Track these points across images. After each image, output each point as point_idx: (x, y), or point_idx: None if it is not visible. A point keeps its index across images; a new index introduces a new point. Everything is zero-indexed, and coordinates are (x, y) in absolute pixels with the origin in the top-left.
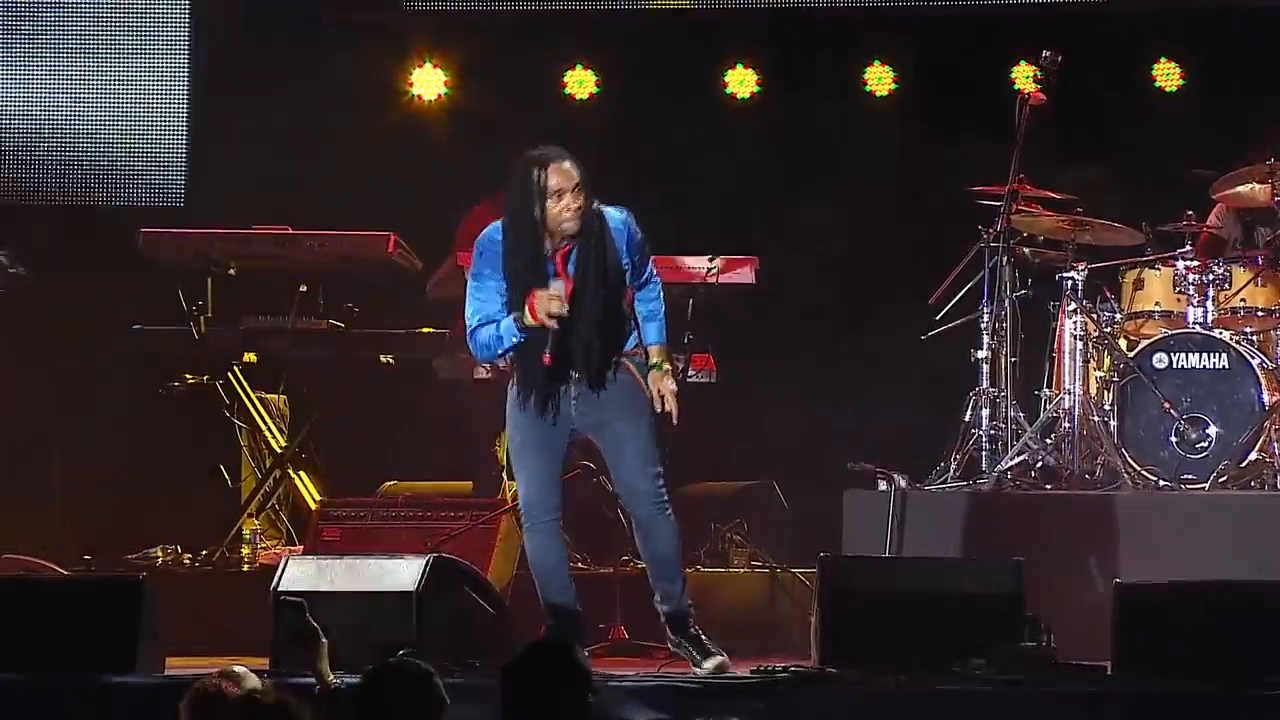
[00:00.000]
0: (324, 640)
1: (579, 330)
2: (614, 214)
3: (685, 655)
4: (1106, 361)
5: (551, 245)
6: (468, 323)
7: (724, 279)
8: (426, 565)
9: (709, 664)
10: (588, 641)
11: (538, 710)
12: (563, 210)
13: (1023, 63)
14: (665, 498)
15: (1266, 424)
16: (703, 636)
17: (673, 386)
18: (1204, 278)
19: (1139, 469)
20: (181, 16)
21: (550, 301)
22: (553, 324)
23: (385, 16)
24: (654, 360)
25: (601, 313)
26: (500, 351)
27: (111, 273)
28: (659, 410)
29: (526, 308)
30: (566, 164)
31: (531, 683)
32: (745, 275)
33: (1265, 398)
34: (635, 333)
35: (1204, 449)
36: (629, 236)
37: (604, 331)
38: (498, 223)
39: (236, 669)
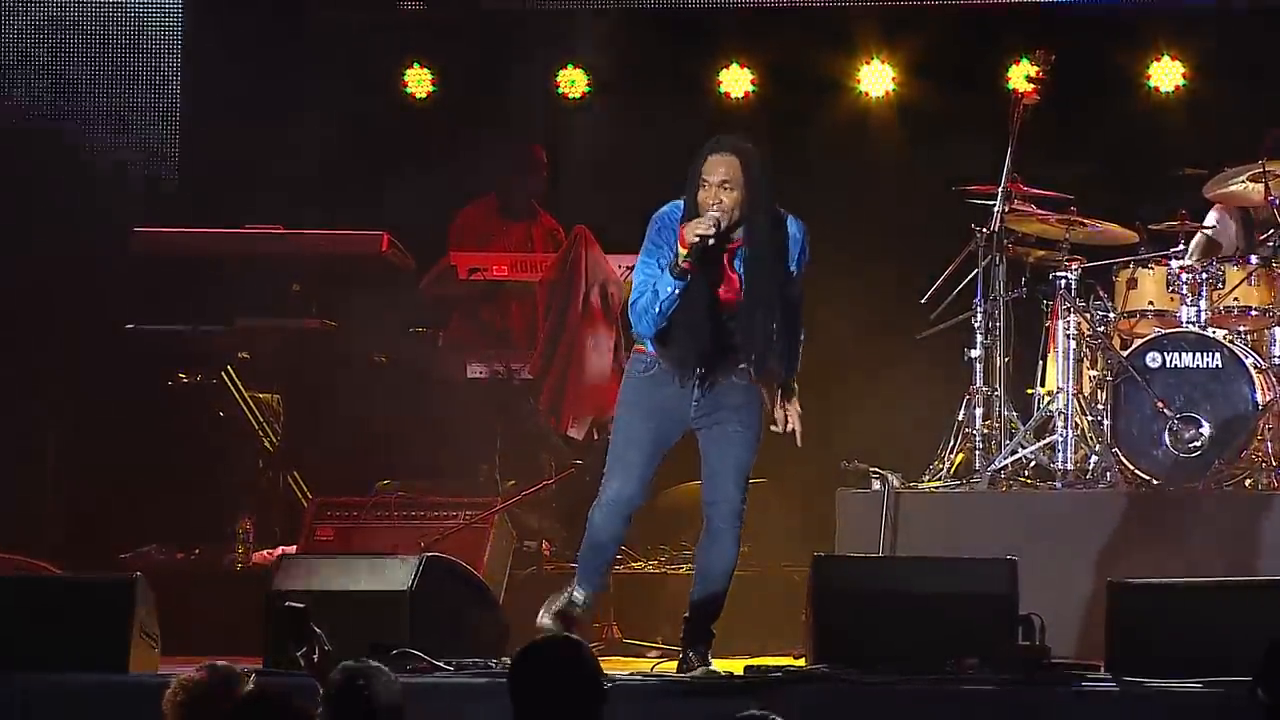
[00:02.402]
0: (328, 647)
1: (736, 331)
2: (794, 224)
3: (683, 662)
4: (1100, 360)
5: (680, 254)
6: (631, 297)
7: None
8: (420, 564)
9: (699, 671)
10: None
11: (546, 708)
12: (707, 200)
13: (1022, 60)
14: (742, 515)
15: (1259, 423)
16: (709, 658)
17: (799, 409)
18: (1197, 277)
19: (1132, 468)
20: (174, 10)
21: (696, 224)
22: (710, 237)
23: (379, 16)
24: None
25: (764, 315)
26: (658, 311)
27: (105, 271)
28: (783, 430)
29: (681, 240)
30: (725, 156)
31: (540, 683)
32: None
33: (1258, 397)
34: None
35: (1197, 448)
36: (801, 251)
37: (760, 334)
38: (678, 200)
39: (220, 664)
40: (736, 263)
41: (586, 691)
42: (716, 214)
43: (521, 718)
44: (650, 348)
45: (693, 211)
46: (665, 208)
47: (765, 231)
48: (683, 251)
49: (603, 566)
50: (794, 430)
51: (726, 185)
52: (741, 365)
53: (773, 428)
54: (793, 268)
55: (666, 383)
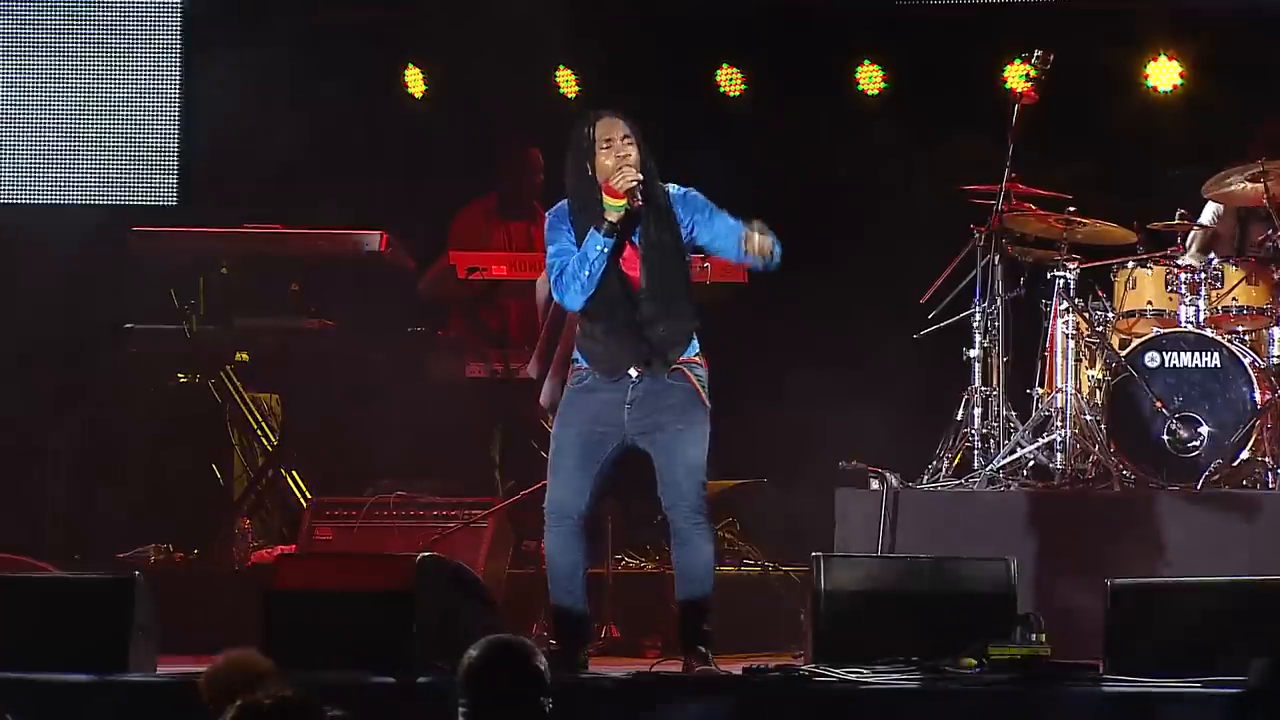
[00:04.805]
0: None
1: (645, 305)
2: (672, 187)
3: (684, 664)
4: (1099, 360)
5: (613, 207)
6: (550, 277)
7: (716, 279)
8: (419, 565)
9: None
10: (588, 646)
11: (496, 709)
12: (609, 158)
13: (1016, 61)
14: (705, 511)
15: (1258, 423)
16: (709, 657)
17: (764, 229)
18: (1196, 276)
19: (1131, 468)
20: (172, 8)
21: (625, 172)
22: (637, 200)
23: (376, 15)
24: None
25: (668, 285)
26: (587, 274)
27: (103, 271)
28: (756, 250)
29: (605, 196)
30: (614, 117)
31: (485, 683)
32: (737, 275)
33: (1257, 396)
34: (696, 338)
35: (1196, 448)
36: (684, 203)
37: (670, 306)
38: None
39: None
40: (635, 234)
41: (532, 688)
42: (635, 175)
43: (473, 715)
44: (583, 361)
45: (591, 183)
46: (554, 208)
47: (658, 197)
48: (614, 203)
49: (573, 592)
50: (764, 240)
51: (629, 140)
52: (676, 359)
53: (747, 256)
54: (686, 226)
55: (600, 390)
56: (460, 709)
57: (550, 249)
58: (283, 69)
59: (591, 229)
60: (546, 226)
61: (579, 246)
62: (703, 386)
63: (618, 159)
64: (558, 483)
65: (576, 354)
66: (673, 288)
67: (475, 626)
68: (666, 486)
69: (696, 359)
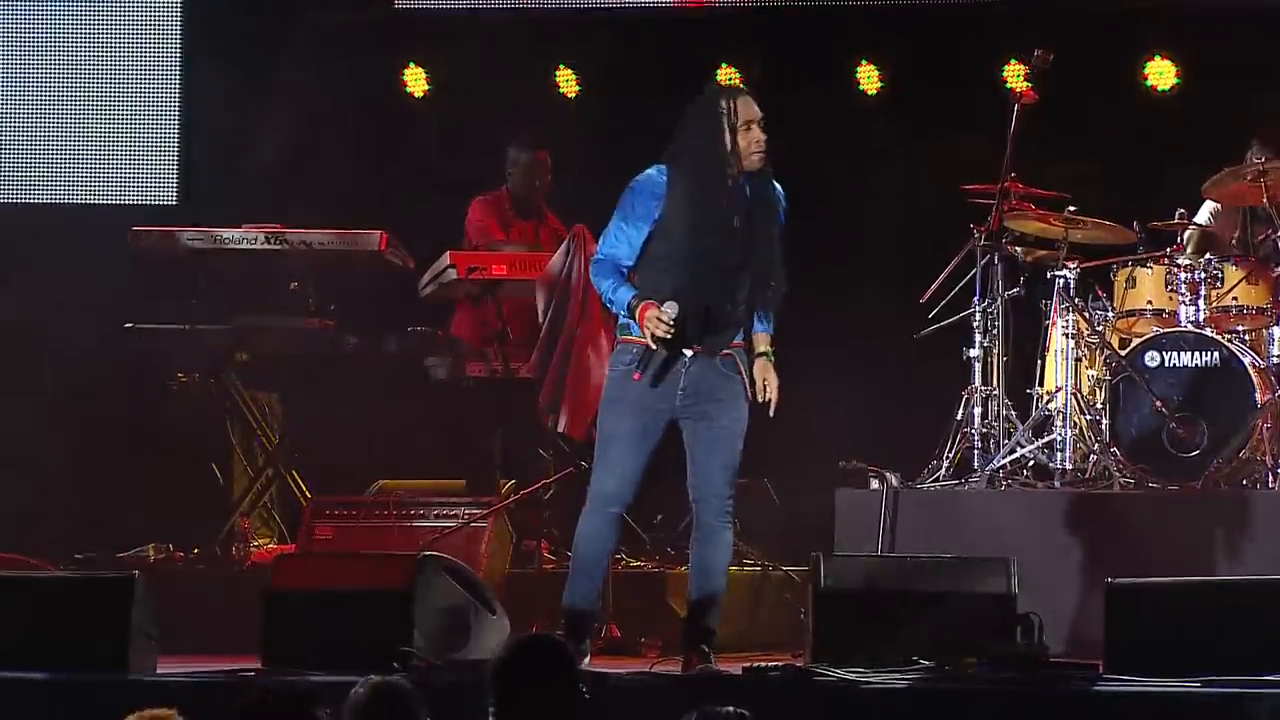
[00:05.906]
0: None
1: (731, 269)
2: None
3: (685, 662)
4: (1098, 360)
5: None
6: (599, 250)
7: None
8: (419, 564)
9: (699, 670)
10: (589, 644)
11: (526, 706)
12: (753, 143)
13: (1014, 61)
14: (732, 509)
15: (1258, 423)
16: (710, 657)
17: (776, 380)
18: (1196, 276)
19: (1131, 467)
20: (174, 5)
21: (658, 324)
22: (653, 344)
23: (377, 15)
24: (762, 349)
25: (759, 257)
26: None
27: (104, 270)
28: (760, 399)
29: (638, 315)
30: (751, 99)
31: (519, 679)
32: None
33: (1257, 396)
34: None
35: (1196, 447)
36: (784, 207)
37: (753, 279)
38: (659, 165)
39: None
40: (735, 219)
41: (567, 690)
42: (665, 333)
43: (502, 713)
44: (635, 331)
45: (728, 160)
46: (646, 174)
47: (767, 189)
48: (639, 329)
49: (594, 582)
50: (771, 400)
51: (763, 123)
52: (730, 342)
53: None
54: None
55: (651, 369)
56: (490, 710)
57: (616, 217)
58: (283, 67)
59: (630, 301)
60: (630, 190)
61: (646, 234)
62: (746, 369)
63: (751, 146)
64: (606, 470)
65: (626, 322)
66: (762, 263)
67: (475, 626)
68: (699, 479)
69: (743, 344)
